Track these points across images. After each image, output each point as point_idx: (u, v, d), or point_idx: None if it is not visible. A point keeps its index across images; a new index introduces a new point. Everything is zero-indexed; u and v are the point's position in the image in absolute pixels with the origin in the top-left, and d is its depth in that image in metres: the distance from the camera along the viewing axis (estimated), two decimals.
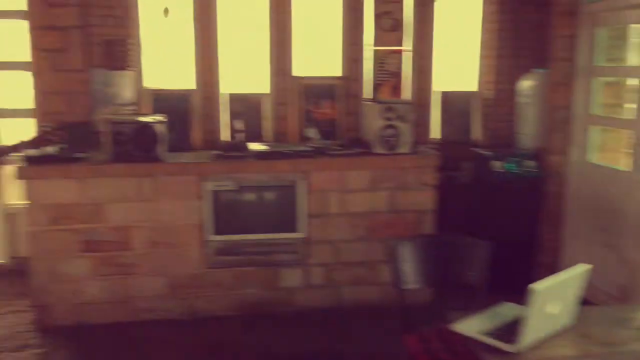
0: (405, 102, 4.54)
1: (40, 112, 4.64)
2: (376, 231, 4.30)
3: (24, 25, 4.64)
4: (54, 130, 2.98)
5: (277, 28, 4.89)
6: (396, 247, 2.76)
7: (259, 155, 4.20)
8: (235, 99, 5.00)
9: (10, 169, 3.76)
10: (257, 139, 4.85)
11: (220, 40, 4.85)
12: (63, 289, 3.99)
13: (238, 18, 4.94)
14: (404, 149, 4.24)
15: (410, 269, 2.74)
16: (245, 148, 4.29)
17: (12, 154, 3.03)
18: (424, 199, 4.30)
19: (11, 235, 4.96)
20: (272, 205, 4.21)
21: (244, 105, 5.02)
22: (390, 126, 4.20)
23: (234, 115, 4.97)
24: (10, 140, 3.28)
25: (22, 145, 2.96)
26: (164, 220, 4.04)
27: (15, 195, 4.85)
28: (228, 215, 4.14)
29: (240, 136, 4.80)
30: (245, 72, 5.06)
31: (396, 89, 5.10)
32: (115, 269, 4.04)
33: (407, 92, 5.14)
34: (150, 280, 4.09)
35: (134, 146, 3.93)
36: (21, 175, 3.84)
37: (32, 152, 3.93)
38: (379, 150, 4.24)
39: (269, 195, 4.20)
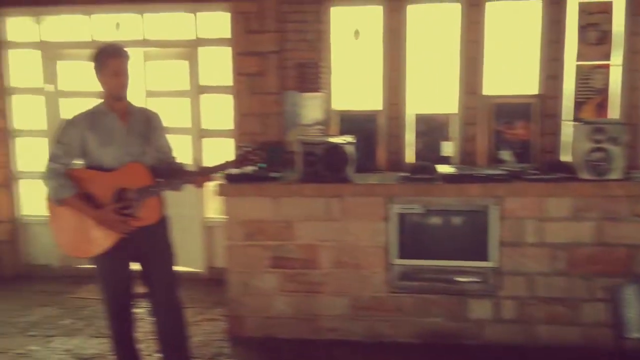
0: (618, 123, 4.05)
1: (238, 132, 4.96)
2: (578, 266, 3.86)
3: (227, 52, 5.02)
4: (254, 151, 3.11)
5: (468, 45, 4.70)
6: (619, 289, 2.40)
7: (448, 178, 4.02)
8: (421, 119, 4.89)
9: (211, 185, 4.02)
10: (442, 160, 4.67)
11: (408, 60, 4.78)
12: (254, 302, 4.16)
13: (427, 36, 4.84)
14: (614, 174, 3.77)
15: (635, 315, 2.37)
16: (433, 170, 4.14)
17: (218, 173, 3.21)
18: (639, 232, 3.78)
19: (209, 247, 5.34)
20: (460, 231, 3.99)
21: (429, 126, 4.88)
22: (599, 149, 3.77)
23: (419, 136, 4.86)
24: (213, 159, 3.48)
25: (226, 165, 3.12)
26: (350, 241, 4.04)
27: (215, 209, 5.22)
28: (414, 239, 4.02)
29: (424, 157, 4.68)
30: (432, 92, 4.92)
31: (602, 107, 4.60)
32: (301, 286, 4.11)
33: (614, 111, 4.61)
34: (334, 299, 4.10)
35: (324, 166, 3.99)
36: (221, 192, 4.10)
37: (233, 170, 4.19)
38: (584, 175, 3.82)
39: (458, 220, 3.99)
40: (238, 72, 4.93)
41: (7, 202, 5.38)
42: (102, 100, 3.06)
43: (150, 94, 5.42)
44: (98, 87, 3.04)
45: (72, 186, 2.91)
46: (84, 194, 2.93)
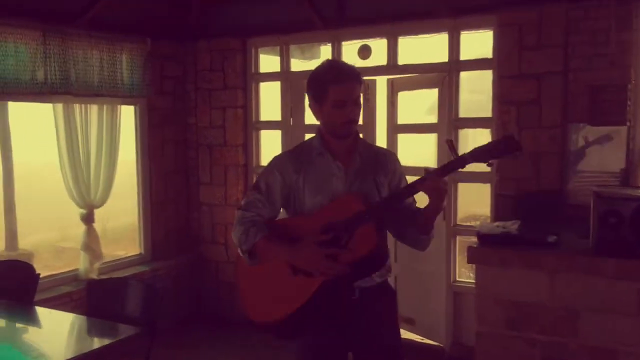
0: None
1: (498, 176, 3.86)
2: None
3: (486, 76, 4.00)
4: (508, 140, 1.96)
5: None
6: None
7: None
8: None
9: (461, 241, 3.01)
10: None
11: None
12: None
13: None
14: None
15: None
16: None
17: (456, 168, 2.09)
18: None
19: (457, 317, 4.27)
20: None
21: None
22: None
23: None
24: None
25: (477, 154, 1.98)
26: None
27: (466, 271, 4.18)
28: None
29: None
30: None
31: None
32: None
33: None
34: None
35: (634, 234, 2.66)
36: (472, 257, 3.05)
37: (486, 227, 3.13)
38: None
39: None
40: (501, 100, 3.85)
41: None
42: (315, 135, 2.30)
43: (397, 129, 4.66)
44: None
45: (263, 228, 2.16)
46: (279, 236, 2.18)
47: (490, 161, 1.98)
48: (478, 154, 1.98)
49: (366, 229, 2.08)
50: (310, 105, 2.25)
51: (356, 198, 2.14)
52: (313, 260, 2.07)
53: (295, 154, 2.29)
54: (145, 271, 4.61)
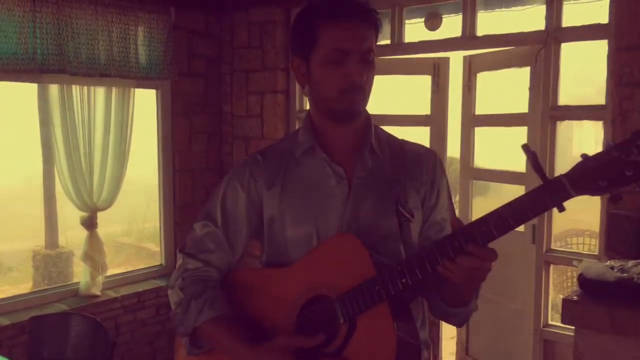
0: None
1: None
2: None
3: (601, 47, 2.91)
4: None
5: None
6: None
7: None
8: None
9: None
10: None
11: None
12: None
13: None
14: None
15: None
16: None
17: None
18: None
19: None
20: None
21: None
22: None
23: None
24: None
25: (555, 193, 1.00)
26: None
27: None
28: None
29: None
30: None
31: None
32: None
33: None
34: None
35: None
36: (568, 316, 2.01)
37: (594, 269, 2.06)
38: None
39: None
40: (621, 81, 2.74)
41: None
42: (302, 124, 1.40)
43: (474, 121, 3.65)
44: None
45: (212, 300, 1.30)
46: (240, 318, 1.31)
47: (615, 192, 0.98)
48: (590, 176, 0.98)
49: (378, 322, 1.16)
50: (292, 66, 1.34)
51: (361, 252, 1.20)
52: None
53: (269, 156, 1.38)
54: (163, 287, 3.89)
